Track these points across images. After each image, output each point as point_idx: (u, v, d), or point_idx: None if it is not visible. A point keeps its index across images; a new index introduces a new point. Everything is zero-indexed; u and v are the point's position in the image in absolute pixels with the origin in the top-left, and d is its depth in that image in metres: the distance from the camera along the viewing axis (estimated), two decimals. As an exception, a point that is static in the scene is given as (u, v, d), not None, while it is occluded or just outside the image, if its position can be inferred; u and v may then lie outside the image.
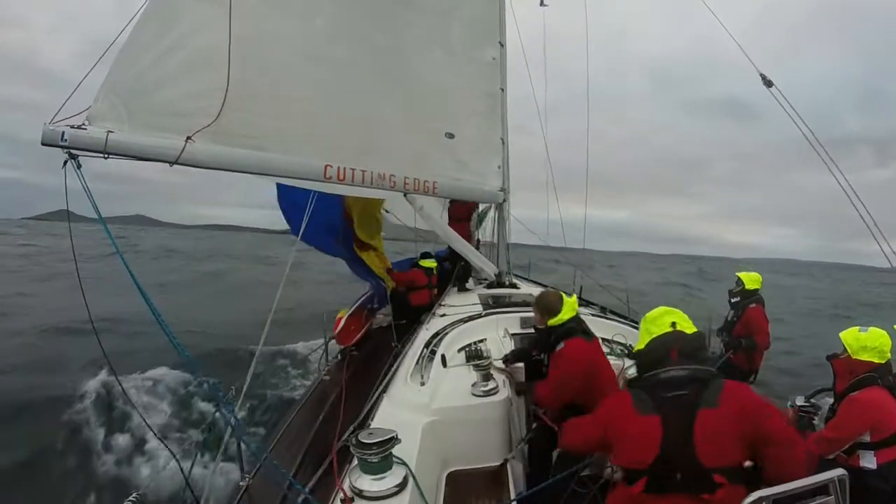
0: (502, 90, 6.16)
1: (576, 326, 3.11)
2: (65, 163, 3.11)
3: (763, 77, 4.18)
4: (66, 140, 3.10)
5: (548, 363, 3.12)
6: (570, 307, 3.14)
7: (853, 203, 3.60)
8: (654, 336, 2.07)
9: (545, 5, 7.27)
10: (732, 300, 5.79)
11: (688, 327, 2.09)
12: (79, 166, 3.15)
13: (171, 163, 3.56)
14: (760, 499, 1.63)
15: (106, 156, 3.28)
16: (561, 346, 3.03)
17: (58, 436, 6.39)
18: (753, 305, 5.54)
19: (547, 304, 3.16)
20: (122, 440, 6.20)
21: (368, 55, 5.12)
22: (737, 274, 5.82)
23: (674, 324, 2.08)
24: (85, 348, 9.14)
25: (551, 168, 7.36)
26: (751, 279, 5.66)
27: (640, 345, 2.14)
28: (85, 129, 3.23)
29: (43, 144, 3.09)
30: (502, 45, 6.14)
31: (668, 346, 2.01)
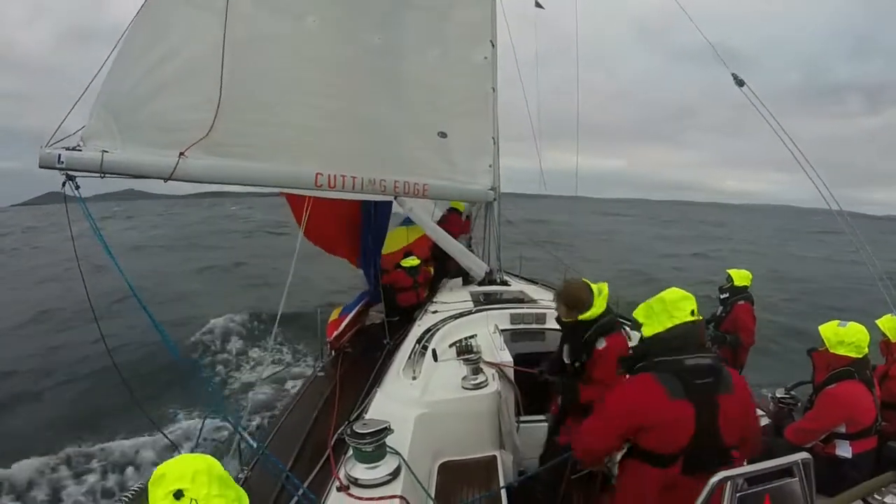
0: (493, 90, 6.17)
1: (612, 322, 2.87)
2: (63, 184, 3.25)
3: (735, 77, 4.21)
4: (62, 163, 3.21)
5: (583, 366, 2.92)
6: (603, 298, 2.87)
7: (803, 167, 3.58)
8: (678, 323, 2.05)
9: (540, 6, 7.15)
10: (722, 296, 5.89)
11: (698, 315, 2.12)
12: (77, 187, 3.29)
13: (166, 179, 3.69)
14: (725, 479, 1.71)
15: (102, 175, 3.42)
16: (602, 343, 2.80)
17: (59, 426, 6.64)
18: (742, 302, 5.66)
19: (576, 298, 2.86)
20: (120, 433, 6.39)
21: (362, 56, 5.13)
22: (727, 271, 5.92)
23: (693, 311, 2.08)
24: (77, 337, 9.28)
25: (540, 159, 7.42)
26: (740, 276, 5.77)
27: (657, 327, 2.09)
28: (80, 150, 3.35)
29: (40, 167, 3.23)
30: (493, 45, 6.14)
31: (692, 335, 2.04)
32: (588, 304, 2.84)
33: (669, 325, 2.05)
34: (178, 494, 1.25)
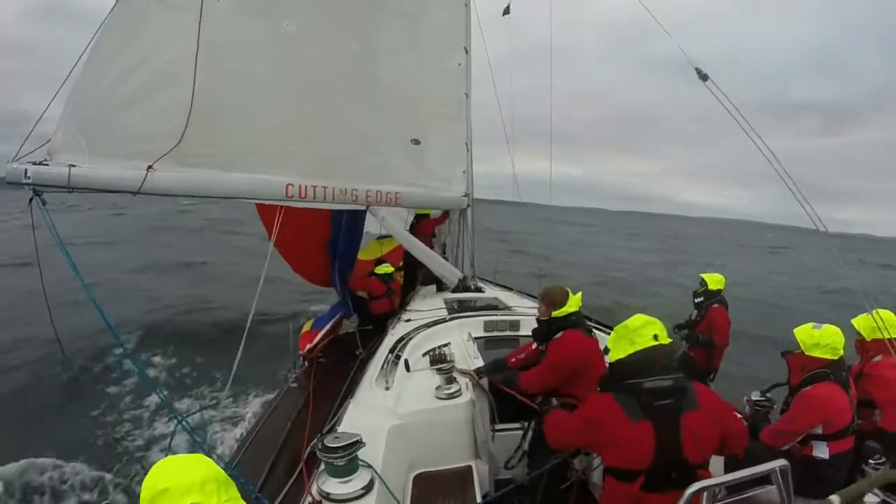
0: (467, 96, 6.22)
1: (577, 320, 3.29)
2: (30, 200, 3.23)
3: (698, 71, 4.28)
4: (29, 178, 3.21)
5: (545, 350, 3.33)
6: (574, 302, 3.31)
7: (781, 177, 3.71)
8: (638, 349, 2.16)
9: (508, 13, 7.20)
10: (696, 300, 6.03)
11: (665, 338, 2.21)
12: (44, 203, 3.28)
13: (134, 193, 3.68)
14: (701, 489, 1.73)
15: (70, 190, 3.41)
16: (559, 335, 3.23)
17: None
18: (716, 306, 5.81)
19: (553, 296, 3.32)
20: (80, 451, 5.85)
21: (337, 62, 5.14)
22: (701, 275, 6.07)
23: (655, 336, 2.19)
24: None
25: (515, 173, 7.51)
26: (714, 280, 5.92)
27: (619, 353, 2.22)
28: (47, 164, 3.34)
29: (7, 183, 3.21)
30: (467, 52, 6.18)
31: (652, 360, 2.14)
32: (561, 304, 3.26)
33: (631, 350, 2.18)
34: None
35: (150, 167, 3.73)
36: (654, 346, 2.17)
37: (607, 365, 2.34)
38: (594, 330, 3.73)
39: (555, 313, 3.27)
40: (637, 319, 2.28)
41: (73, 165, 3.43)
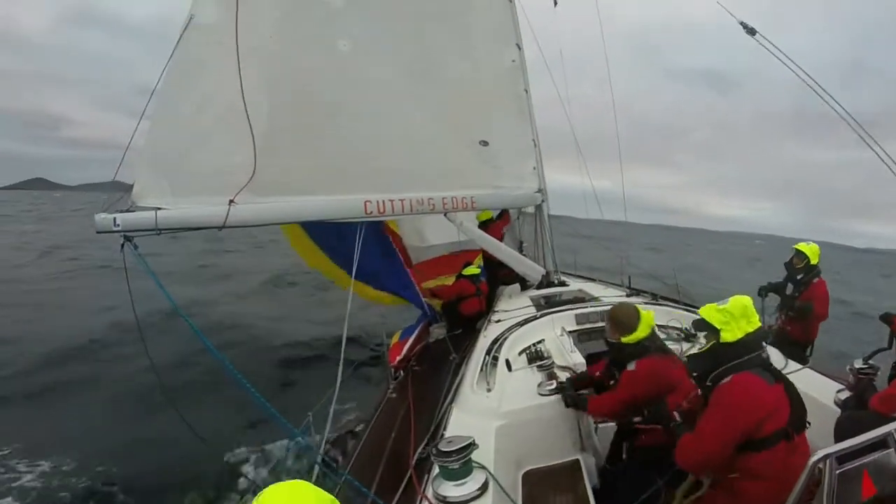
0: (526, 92, 5.99)
1: (650, 345, 2.97)
2: (122, 245, 3.20)
3: (744, 25, 3.81)
4: (118, 225, 3.19)
5: (618, 377, 3.04)
6: (646, 324, 2.99)
7: None
8: (757, 327, 2.31)
9: (556, 4, 6.97)
10: (798, 276, 5.49)
11: None
12: (136, 247, 3.22)
13: (220, 228, 3.60)
14: (826, 456, 1.72)
15: (158, 232, 3.34)
16: (632, 365, 2.93)
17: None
18: (817, 280, 5.36)
19: (622, 320, 3.01)
20: (193, 470, 5.57)
21: (395, 74, 5.08)
22: (795, 247, 5.55)
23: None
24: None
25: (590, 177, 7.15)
26: (814, 252, 5.40)
27: (738, 333, 2.26)
28: (134, 211, 3.30)
29: (98, 233, 3.18)
30: (520, 48, 5.97)
31: (761, 340, 2.34)
32: (630, 329, 2.93)
33: (750, 329, 2.27)
34: None
35: (231, 201, 3.65)
36: (760, 328, 2.33)
37: (719, 343, 2.31)
38: (661, 305, 3.94)
39: (624, 340, 2.96)
40: (745, 299, 2.35)
41: (159, 208, 3.37)
